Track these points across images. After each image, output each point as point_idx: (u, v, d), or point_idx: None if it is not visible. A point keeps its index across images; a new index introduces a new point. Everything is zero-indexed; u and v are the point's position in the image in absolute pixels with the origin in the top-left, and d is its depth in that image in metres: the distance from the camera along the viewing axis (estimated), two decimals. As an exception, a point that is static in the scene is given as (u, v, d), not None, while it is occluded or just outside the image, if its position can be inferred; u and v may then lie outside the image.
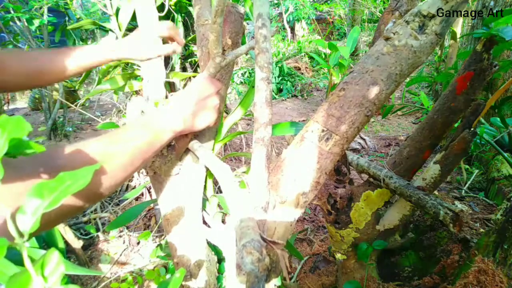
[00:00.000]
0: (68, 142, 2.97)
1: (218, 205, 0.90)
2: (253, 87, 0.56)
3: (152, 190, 1.69)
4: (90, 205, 0.44)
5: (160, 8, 1.20)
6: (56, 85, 3.15)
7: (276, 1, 8.09)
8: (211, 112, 0.60)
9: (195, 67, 1.59)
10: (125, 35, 1.31)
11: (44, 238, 1.06)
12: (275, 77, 4.79)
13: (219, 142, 0.89)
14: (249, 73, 4.99)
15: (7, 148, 0.23)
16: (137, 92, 1.32)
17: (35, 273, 0.22)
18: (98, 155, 0.42)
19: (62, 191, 0.24)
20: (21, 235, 0.23)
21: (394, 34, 0.54)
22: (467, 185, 1.84)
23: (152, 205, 1.63)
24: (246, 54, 0.69)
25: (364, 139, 2.87)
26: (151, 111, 0.80)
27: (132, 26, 1.39)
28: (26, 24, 2.05)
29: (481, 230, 1.22)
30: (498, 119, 1.36)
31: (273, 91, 4.77)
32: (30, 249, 0.54)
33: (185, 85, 1.42)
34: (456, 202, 1.57)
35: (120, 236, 1.59)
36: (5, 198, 0.30)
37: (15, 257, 0.45)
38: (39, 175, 0.35)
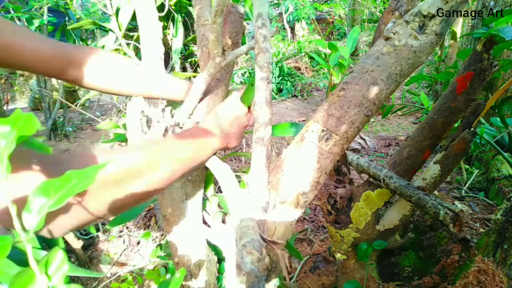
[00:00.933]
0: (68, 142, 2.97)
1: (218, 205, 0.90)
2: (252, 85, 0.56)
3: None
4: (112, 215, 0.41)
5: (160, 8, 1.20)
6: (56, 85, 3.15)
7: (276, 1, 8.09)
8: (241, 131, 0.63)
9: (195, 67, 1.59)
10: (125, 35, 1.31)
11: (44, 238, 1.06)
12: (275, 77, 4.79)
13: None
14: (249, 73, 4.99)
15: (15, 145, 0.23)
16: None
17: (39, 272, 0.22)
18: (135, 168, 0.40)
19: (68, 190, 0.24)
20: (25, 232, 0.23)
21: (394, 34, 0.54)
22: (467, 185, 1.84)
23: (152, 205, 1.63)
24: (246, 54, 0.69)
25: (364, 139, 2.87)
26: (192, 126, 0.76)
27: (132, 26, 1.39)
28: (26, 24, 2.05)
29: (481, 230, 1.22)
30: (498, 119, 1.36)
31: (273, 91, 4.77)
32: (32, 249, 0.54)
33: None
34: (456, 202, 1.57)
35: (120, 236, 1.59)
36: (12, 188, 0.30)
37: (16, 257, 0.45)
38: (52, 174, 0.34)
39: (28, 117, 0.25)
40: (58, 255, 0.25)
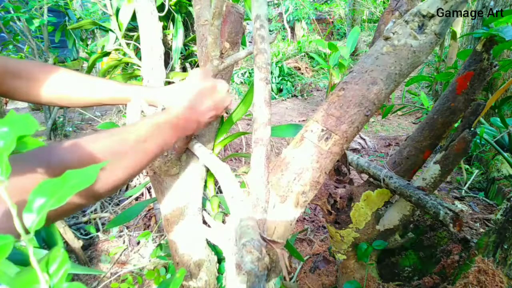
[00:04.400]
0: (68, 142, 2.96)
1: (219, 205, 0.90)
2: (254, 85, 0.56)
3: (152, 190, 1.69)
4: (90, 203, 0.43)
5: (160, 8, 1.20)
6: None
7: (276, 1, 8.09)
8: (211, 104, 0.57)
9: (195, 67, 1.59)
10: (125, 35, 1.31)
11: (44, 238, 1.06)
12: (275, 77, 4.79)
13: (220, 144, 0.89)
14: (249, 73, 4.99)
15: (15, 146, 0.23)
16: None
17: (40, 271, 0.23)
18: (107, 153, 0.40)
19: (68, 189, 0.24)
20: (26, 232, 0.23)
21: (393, 34, 0.54)
22: (467, 185, 1.84)
23: (152, 205, 1.63)
24: (246, 54, 0.69)
25: (364, 139, 2.87)
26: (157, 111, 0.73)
27: (132, 26, 1.39)
28: (26, 24, 2.05)
29: (481, 230, 1.22)
30: (498, 119, 1.36)
31: (273, 91, 4.77)
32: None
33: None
34: (456, 202, 1.57)
35: (120, 236, 1.59)
36: (9, 192, 0.30)
37: (14, 257, 0.45)
38: (43, 170, 0.35)
39: (26, 117, 0.25)
40: (60, 254, 0.25)
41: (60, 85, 0.62)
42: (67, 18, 2.32)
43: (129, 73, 1.37)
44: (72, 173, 0.25)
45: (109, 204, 1.82)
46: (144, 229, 1.64)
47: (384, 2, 5.80)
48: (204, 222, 0.84)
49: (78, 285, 0.24)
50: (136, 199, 1.84)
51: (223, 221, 0.88)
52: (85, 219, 1.67)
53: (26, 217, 0.23)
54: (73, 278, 1.31)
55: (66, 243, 1.32)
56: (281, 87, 4.81)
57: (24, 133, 0.24)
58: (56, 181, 0.25)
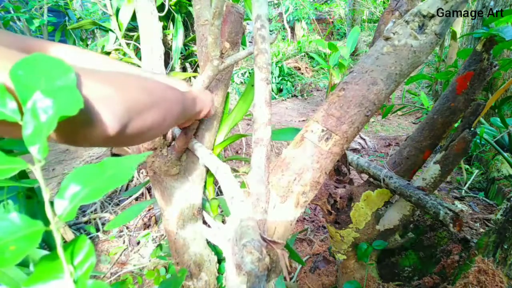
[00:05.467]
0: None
1: (218, 207, 0.90)
2: (252, 85, 0.56)
3: (152, 190, 1.69)
4: (104, 142, 0.33)
5: (160, 8, 1.21)
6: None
7: (276, 1, 8.09)
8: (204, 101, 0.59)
9: (195, 67, 1.59)
10: (125, 35, 1.31)
11: (43, 238, 1.06)
12: (275, 77, 4.79)
13: (220, 146, 0.88)
14: (249, 73, 4.99)
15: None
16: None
17: (65, 262, 0.21)
18: (146, 97, 0.36)
19: (105, 181, 0.22)
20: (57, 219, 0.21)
21: (393, 34, 0.54)
22: (467, 185, 1.84)
23: (152, 205, 1.63)
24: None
25: (364, 139, 2.87)
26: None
27: (132, 26, 1.39)
28: (26, 24, 2.05)
29: (481, 230, 1.22)
30: (498, 119, 1.36)
31: (273, 91, 4.77)
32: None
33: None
34: (456, 202, 1.57)
35: (120, 236, 1.59)
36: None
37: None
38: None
39: (70, 89, 0.22)
40: (85, 245, 0.22)
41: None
42: (67, 18, 2.32)
43: (129, 73, 1.36)
44: (111, 162, 0.23)
45: (109, 204, 1.82)
46: (144, 229, 1.64)
47: (384, 2, 5.80)
48: (204, 223, 0.84)
49: (101, 284, 0.22)
50: (136, 199, 1.84)
51: (223, 222, 0.88)
52: (85, 219, 1.67)
53: (57, 203, 0.21)
54: (73, 278, 1.30)
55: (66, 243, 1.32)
56: (281, 87, 4.81)
57: (68, 113, 0.21)
58: (95, 169, 0.22)
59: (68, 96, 0.21)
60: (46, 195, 0.20)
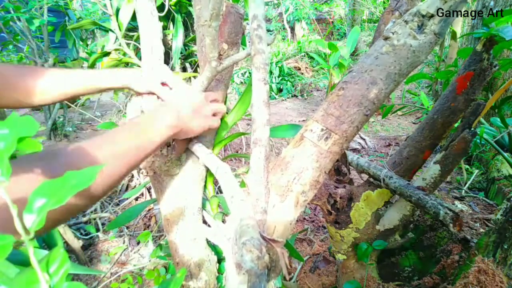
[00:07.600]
0: (68, 142, 2.96)
1: (218, 206, 0.90)
2: (251, 85, 0.56)
3: (152, 190, 1.69)
4: (87, 205, 0.44)
5: (160, 8, 1.21)
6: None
7: (276, 1, 8.09)
8: (201, 118, 0.62)
9: (195, 67, 1.59)
10: (125, 35, 1.31)
11: (43, 238, 1.06)
12: (275, 77, 4.79)
13: (219, 145, 0.89)
14: (249, 73, 4.99)
15: (16, 147, 0.23)
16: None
17: (41, 271, 0.23)
18: (110, 159, 0.42)
19: (68, 189, 0.24)
20: (27, 232, 0.23)
21: (393, 33, 0.54)
22: (467, 185, 1.84)
23: (152, 205, 1.63)
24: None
25: (364, 139, 2.87)
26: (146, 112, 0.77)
27: (132, 26, 1.39)
28: (26, 24, 2.05)
29: (481, 230, 1.22)
30: (498, 119, 1.36)
31: (273, 91, 4.76)
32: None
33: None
34: (456, 202, 1.57)
35: (120, 236, 1.59)
36: (10, 193, 0.31)
37: (13, 257, 0.45)
38: (46, 173, 0.35)
39: (26, 119, 0.25)
40: (59, 254, 0.25)
41: (33, 83, 0.62)
42: (67, 18, 2.32)
43: (129, 73, 1.36)
44: (72, 174, 0.26)
45: (109, 204, 1.82)
46: (144, 229, 1.64)
47: (384, 2, 5.80)
48: (204, 222, 0.84)
49: (78, 285, 0.24)
50: (136, 199, 1.84)
51: (223, 221, 0.88)
52: (85, 219, 1.67)
53: (26, 217, 0.23)
54: (73, 278, 1.31)
55: (66, 243, 1.32)
56: (281, 87, 4.81)
57: (24, 134, 0.24)
58: (56, 181, 0.25)
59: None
60: (14, 212, 0.22)
